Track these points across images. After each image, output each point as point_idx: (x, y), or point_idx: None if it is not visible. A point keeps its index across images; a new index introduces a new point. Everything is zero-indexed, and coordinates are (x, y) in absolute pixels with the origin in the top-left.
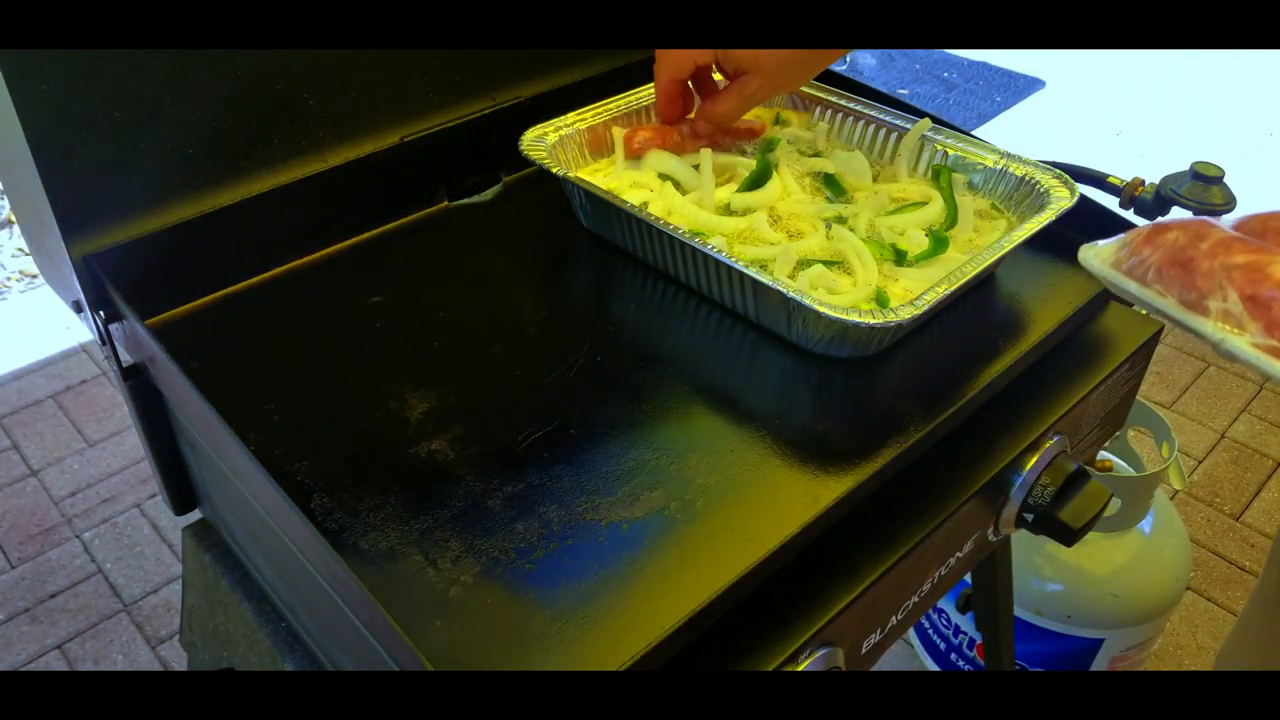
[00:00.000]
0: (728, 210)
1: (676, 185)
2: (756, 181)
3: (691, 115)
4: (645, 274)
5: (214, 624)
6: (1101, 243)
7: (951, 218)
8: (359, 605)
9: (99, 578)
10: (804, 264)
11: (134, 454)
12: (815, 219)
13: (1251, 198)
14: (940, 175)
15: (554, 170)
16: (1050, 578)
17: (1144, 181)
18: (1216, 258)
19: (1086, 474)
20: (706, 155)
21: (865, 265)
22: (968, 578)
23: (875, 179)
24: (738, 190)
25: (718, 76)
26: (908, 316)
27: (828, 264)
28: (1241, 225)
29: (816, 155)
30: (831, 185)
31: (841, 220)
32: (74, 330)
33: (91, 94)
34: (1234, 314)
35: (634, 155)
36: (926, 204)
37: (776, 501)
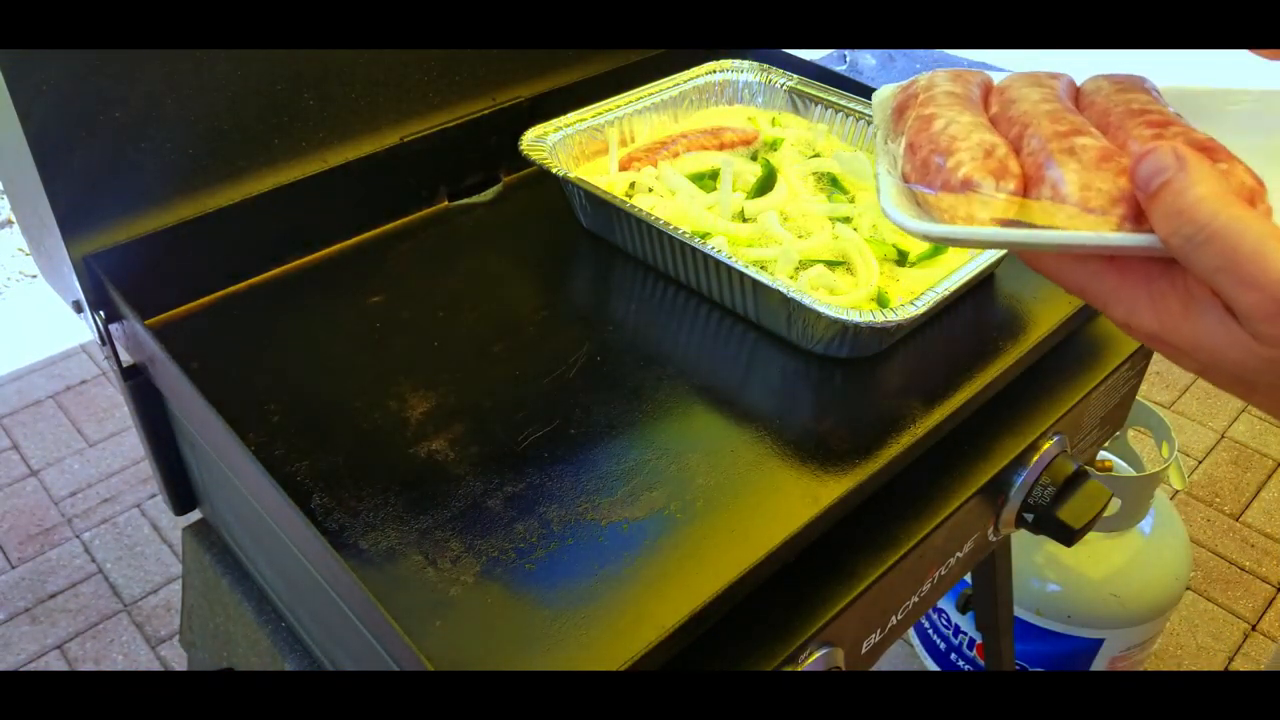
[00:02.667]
0: (741, 217)
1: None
2: (764, 187)
3: None
4: (645, 274)
5: (214, 624)
6: (894, 85)
7: None
8: (359, 605)
9: (99, 578)
10: (805, 264)
11: (134, 454)
12: (822, 219)
13: None
14: None
15: (554, 170)
16: (1050, 578)
17: None
18: (918, 108)
19: (1086, 474)
20: (727, 164)
21: (868, 265)
22: (968, 578)
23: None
24: (747, 197)
25: None
26: (908, 316)
27: (830, 264)
28: (999, 83)
29: (816, 156)
30: (835, 185)
31: (846, 220)
32: (74, 330)
33: (91, 94)
34: (895, 156)
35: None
36: None
37: (776, 501)
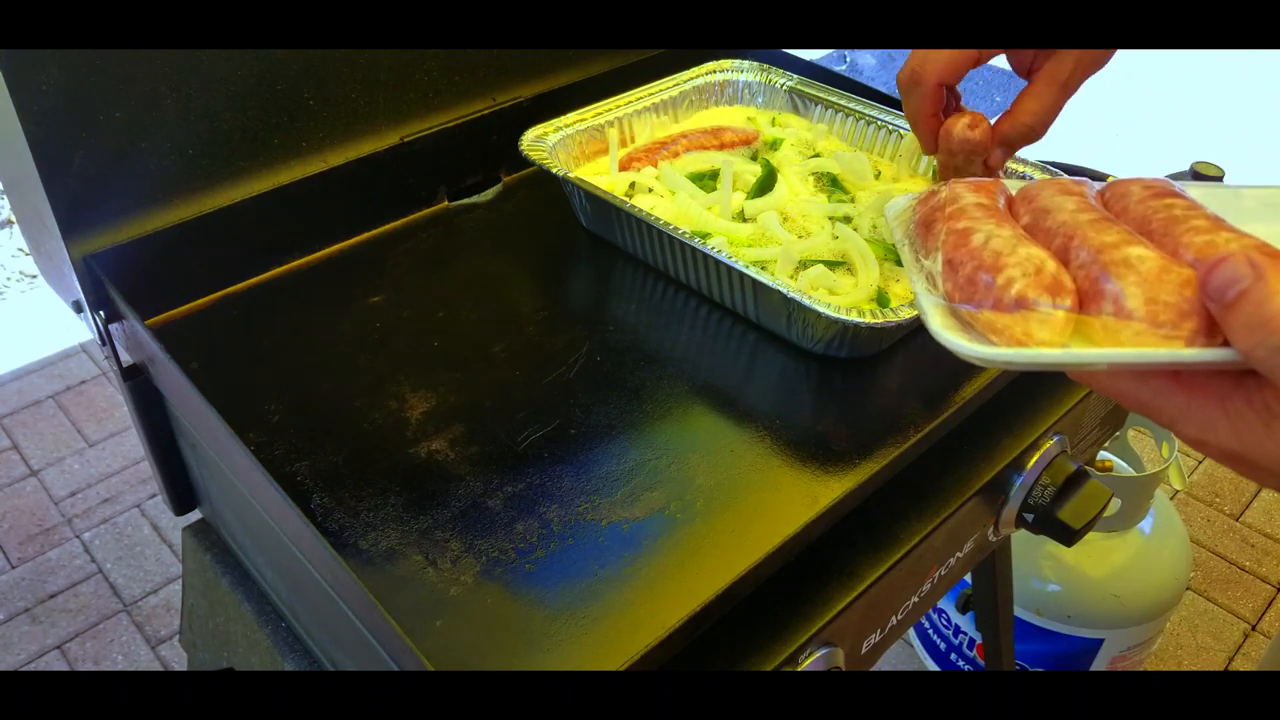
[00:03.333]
0: (741, 217)
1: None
2: (764, 187)
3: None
4: (645, 274)
5: (214, 624)
6: (908, 196)
7: None
8: (359, 605)
9: (99, 578)
10: (805, 264)
11: (134, 454)
12: (822, 218)
13: None
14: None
15: (554, 170)
16: (1050, 578)
17: None
18: (947, 221)
19: (1086, 474)
20: (727, 164)
21: (868, 265)
22: (968, 578)
23: (876, 177)
24: (747, 197)
25: None
26: (908, 316)
27: (831, 265)
28: (1023, 189)
29: (815, 156)
30: (835, 185)
31: (847, 219)
32: (74, 330)
33: (91, 94)
34: (934, 274)
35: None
36: None
37: (776, 501)
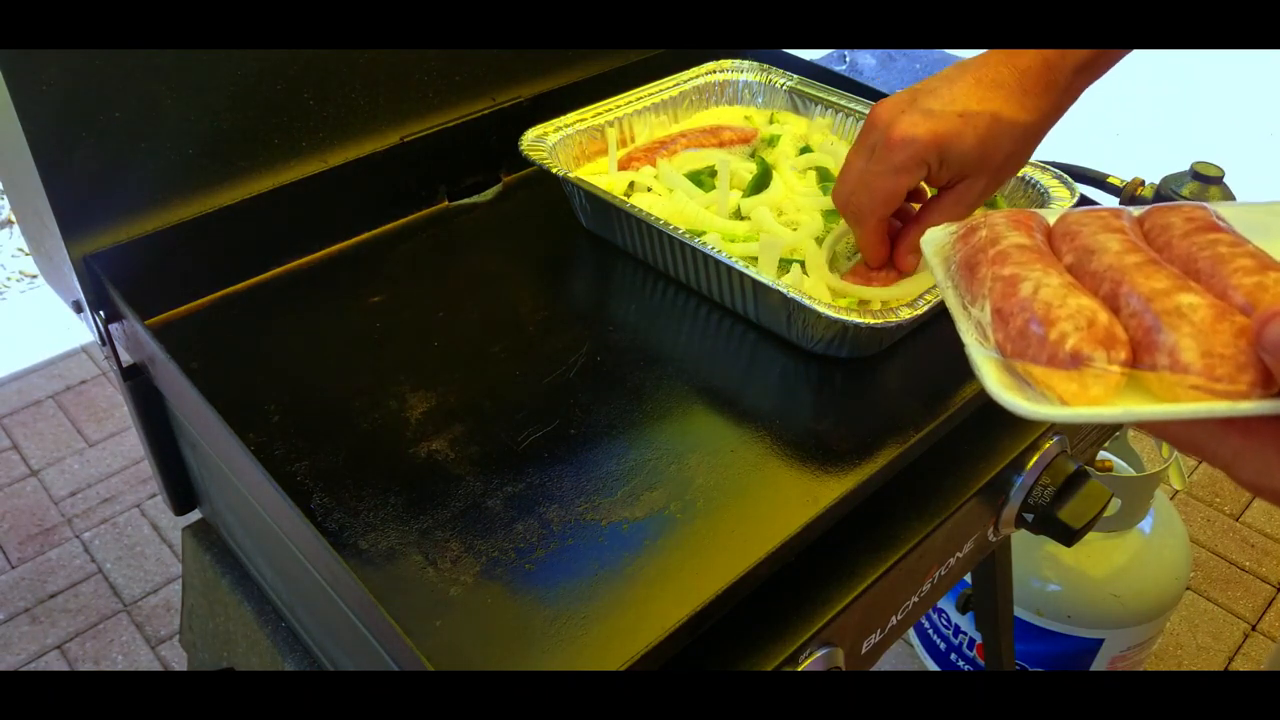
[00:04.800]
0: (738, 215)
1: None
2: (759, 184)
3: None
4: (645, 274)
5: (214, 624)
6: (946, 228)
7: None
8: (359, 605)
9: (99, 578)
10: (787, 263)
11: (134, 454)
12: (814, 210)
13: (1251, 198)
14: None
15: (554, 170)
16: (1050, 578)
17: (1144, 181)
18: (992, 266)
19: (1086, 474)
20: (724, 162)
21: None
22: (968, 578)
23: None
24: (743, 195)
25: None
26: (908, 317)
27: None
28: (1061, 221)
29: (806, 150)
30: (828, 179)
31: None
32: (74, 330)
33: (91, 94)
34: (983, 324)
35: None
36: None
37: (776, 501)
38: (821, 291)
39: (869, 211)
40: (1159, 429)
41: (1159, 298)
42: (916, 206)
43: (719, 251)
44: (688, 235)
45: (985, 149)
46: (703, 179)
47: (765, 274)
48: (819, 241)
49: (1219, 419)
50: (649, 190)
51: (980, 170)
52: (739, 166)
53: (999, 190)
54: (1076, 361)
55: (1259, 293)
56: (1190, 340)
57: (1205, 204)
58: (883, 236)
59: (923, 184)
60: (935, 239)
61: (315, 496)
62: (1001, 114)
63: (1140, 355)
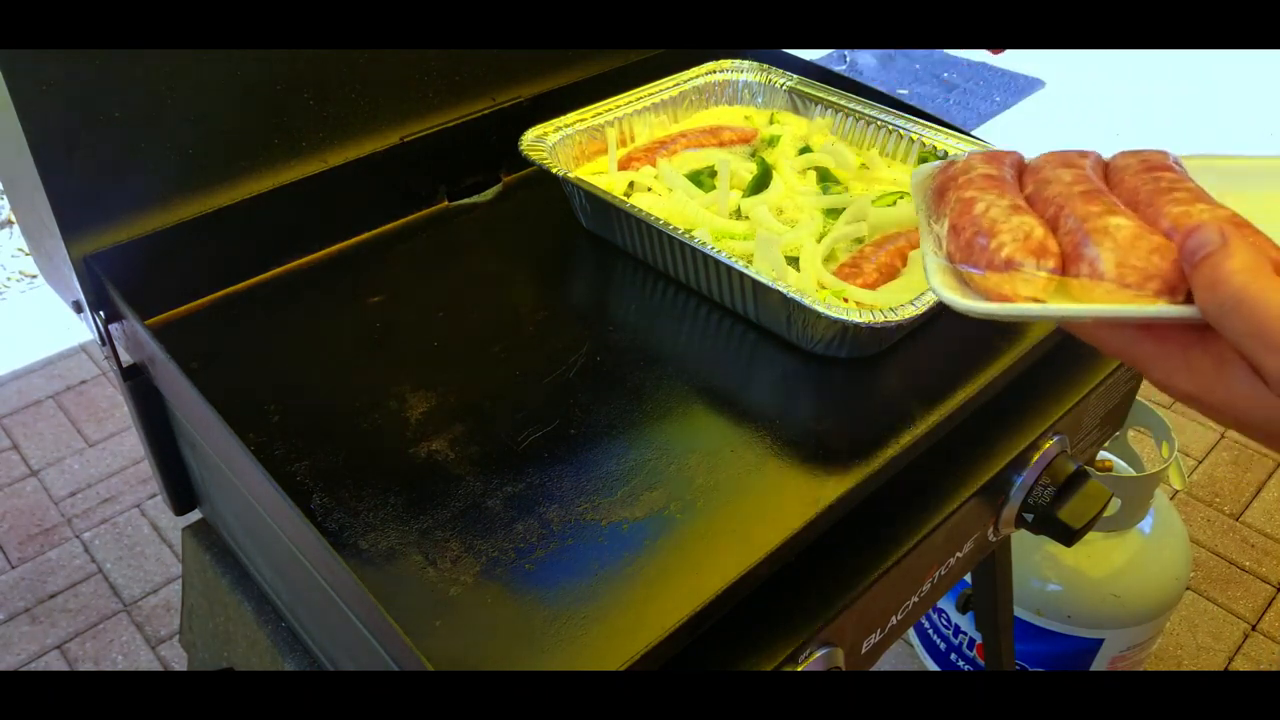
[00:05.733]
0: (738, 214)
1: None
2: (759, 184)
3: None
4: (645, 274)
5: (214, 624)
6: (934, 164)
7: None
8: (359, 605)
9: (99, 578)
10: (793, 262)
11: (134, 454)
12: (814, 210)
13: None
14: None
15: (554, 170)
16: (1050, 578)
17: None
18: (958, 190)
19: (1086, 474)
20: (724, 163)
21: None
22: (968, 578)
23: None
24: (744, 195)
25: None
26: (908, 316)
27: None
28: (1032, 161)
29: (806, 150)
30: (828, 178)
31: (837, 211)
32: (74, 330)
33: (91, 94)
34: (940, 237)
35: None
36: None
37: (776, 501)
38: (811, 285)
39: None
40: (1091, 333)
41: (1092, 218)
42: None
43: (719, 251)
44: (687, 235)
45: None
46: (702, 179)
47: (764, 273)
48: (819, 240)
49: (1137, 326)
50: (649, 190)
51: None
52: (739, 166)
53: (902, 145)
54: (1009, 266)
55: (1183, 220)
56: (1109, 253)
57: (1169, 151)
58: None
59: None
60: (922, 171)
61: (315, 496)
62: None
63: (1068, 266)
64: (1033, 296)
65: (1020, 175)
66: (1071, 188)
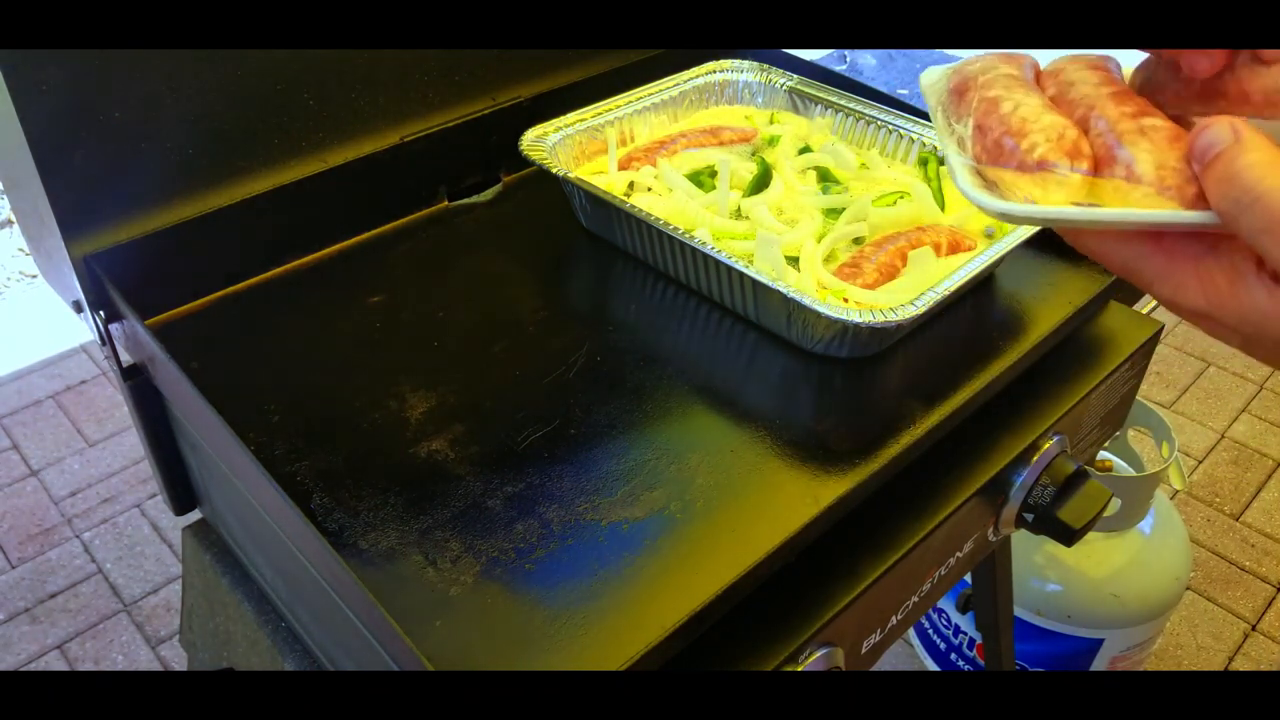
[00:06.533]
0: (738, 214)
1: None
2: (760, 184)
3: None
4: (645, 274)
5: (214, 624)
6: (944, 66)
7: (940, 203)
8: (359, 605)
9: (99, 578)
10: (792, 260)
11: (134, 454)
12: (814, 210)
13: None
14: (928, 165)
15: (554, 170)
16: (1050, 578)
17: None
18: (979, 90)
19: (1086, 474)
20: (724, 162)
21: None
22: (968, 578)
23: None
24: (744, 195)
25: None
26: (908, 316)
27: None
28: (1050, 64)
29: (806, 150)
30: (828, 179)
31: (837, 211)
32: (74, 330)
33: (91, 94)
34: (964, 138)
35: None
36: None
37: (776, 501)
38: (811, 285)
39: None
40: (1094, 246)
41: (1125, 119)
42: None
43: (719, 251)
44: (687, 235)
45: None
46: (702, 179)
47: (764, 273)
48: (819, 240)
49: (1147, 239)
50: (649, 190)
51: None
52: (739, 166)
53: (903, 145)
54: (1041, 168)
55: (1213, 118)
56: (1146, 154)
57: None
58: None
59: None
60: (932, 74)
61: (315, 496)
62: None
63: (1101, 169)
64: (1065, 199)
65: (1038, 79)
66: (1099, 89)
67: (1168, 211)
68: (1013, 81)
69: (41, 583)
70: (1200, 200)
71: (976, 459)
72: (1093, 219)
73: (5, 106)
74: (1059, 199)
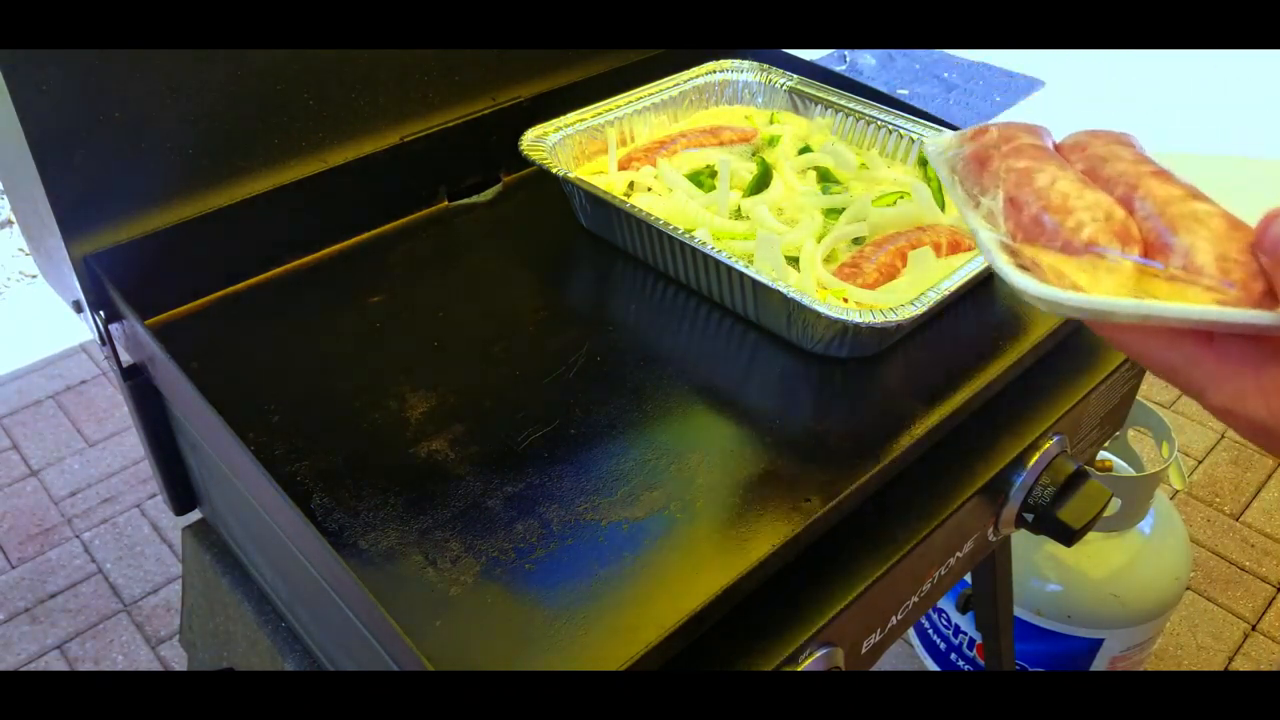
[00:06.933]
0: (738, 214)
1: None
2: (760, 184)
3: None
4: (645, 274)
5: (214, 624)
6: (951, 134)
7: (940, 203)
8: (359, 605)
9: (99, 578)
10: (794, 262)
11: (134, 454)
12: (814, 210)
13: None
14: (928, 165)
15: (554, 170)
16: (1050, 578)
17: None
18: (1005, 159)
19: (1086, 474)
20: (724, 162)
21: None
22: (968, 578)
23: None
24: (744, 195)
25: None
26: (908, 316)
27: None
28: (1067, 138)
29: (806, 150)
30: (827, 178)
31: (837, 211)
32: (74, 330)
33: (91, 94)
34: (995, 212)
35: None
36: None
37: (776, 502)
38: (811, 286)
39: None
40: (1134, 344)
41: (1175, 202)
42: None
43: (719, 251)
44: (688, 235)
45: None
46: (702, 179)
47: (764, 273)
48: (819, 240)
49: (1197, 338)
50: (649, 190)
51: None
52: (739, 166)
53: (902, 145)
54: (1090, 250)
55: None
56: (1205, 244)
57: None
58: None
59: None
60: (939, 143)
61: (315, 496)
62: None
63: (1152, 257)
64: (1115, 288)
65: (1059, 151)
66: (1138, 166)
67: (1244, 311)
68: (1041, 153)
69: (41, 583)
70: (1268, 298)
71: (976, 459)
72: (1160, 314)
73: (5, 106)
74: (1109, 287)
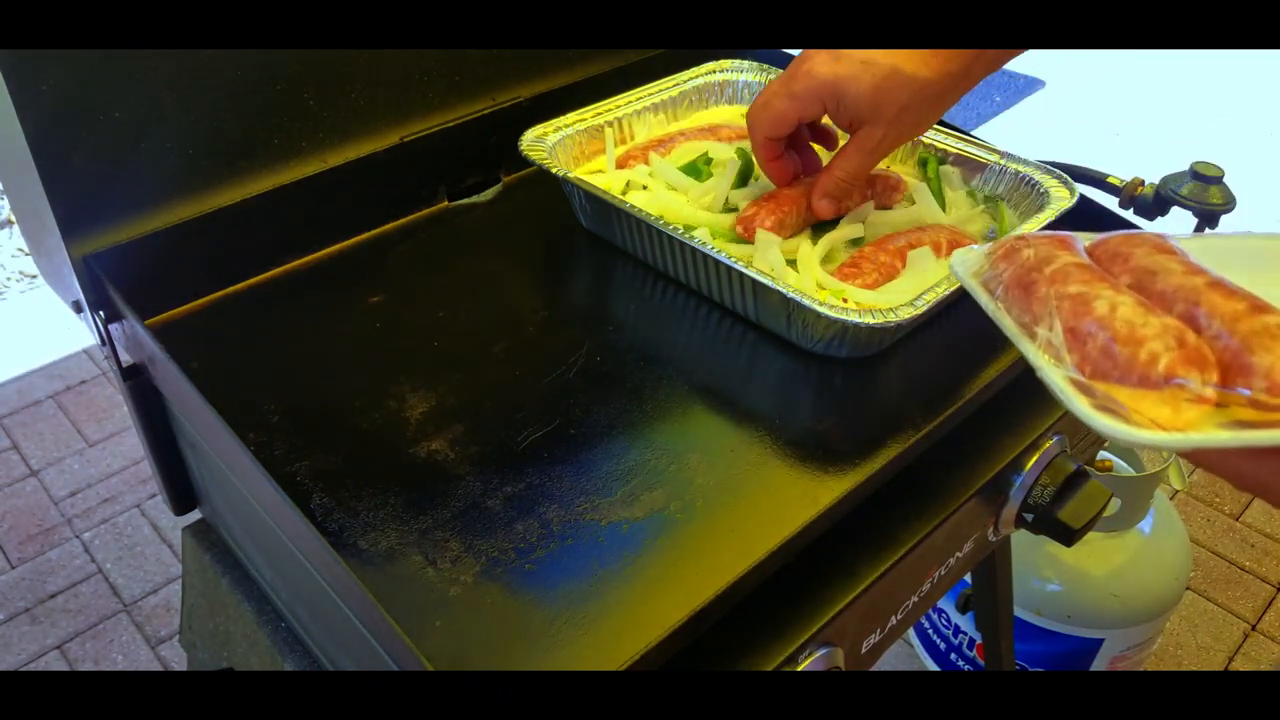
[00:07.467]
0: (728, 207)
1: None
2: (745, 176)
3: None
4: (645, 274)
5: (214, 624)
6: (975, 249)
7: (940, 203)
8: (359, 605)
9: (99, 578)
10: (788, 262)
11: (134, 454)
12: None
13: (1251, 198)
14: (928, 165)
15: (554, 170)
16: (1050, 578)
17: (1144, 181)
18: (1054, 284)
19: (1086, 474)
20: (713, 148)
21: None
22: (968, 578)
23: None
24: (732, 187)
25: (826, 121)
26: (908, 316)
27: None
28: (1098, 245)
29: None
30: None
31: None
32: (74, 330)
33: (91, 94)
34: (1055, 344)
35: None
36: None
37: (776, 501)
38: (810, 286)
39: (758, 128)
40: (1217, 463)
41: (1242, 319)
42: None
43: (718, 251)
44: (687, 235)
45: (880, 96)
46: (699, 166)
47: (763, 273)
48: (815, 239)
49: None
50: (643, 189)
51: (876, 118)
52: (730, 153)
53: (904, 146)
54: (1169, 381)
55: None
56: None
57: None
58: (773, 155)
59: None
60: (966, 260)
61: (315, 496)
62: (901, 67)
63: (1227, 379)
64: (1199, 419)
65: (1096, 262)
66: (1192, 279)
67: None
68: (1088, 273)
69: (41, 583)
70: None
71: (976, 459)
72: (1259, 442)
73: (5, 106)
74: (1193, 418)
